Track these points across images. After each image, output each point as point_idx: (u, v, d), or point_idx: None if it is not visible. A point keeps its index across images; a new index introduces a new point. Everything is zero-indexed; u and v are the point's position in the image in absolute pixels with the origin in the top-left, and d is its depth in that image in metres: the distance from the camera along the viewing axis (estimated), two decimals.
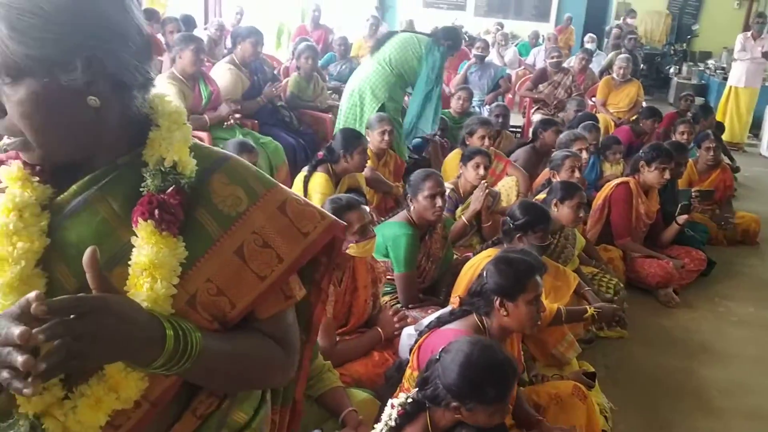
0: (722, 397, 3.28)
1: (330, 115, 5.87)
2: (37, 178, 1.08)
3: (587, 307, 3.20)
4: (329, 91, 6.51)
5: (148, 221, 1.03)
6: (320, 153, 4.07)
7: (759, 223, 5.54)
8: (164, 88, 4.49)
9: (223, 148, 3.71)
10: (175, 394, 1.10)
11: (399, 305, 3.27)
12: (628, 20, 11.99)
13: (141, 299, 1.01)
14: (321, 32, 8.78)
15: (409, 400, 1.91)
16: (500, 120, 5.80)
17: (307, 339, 1.34)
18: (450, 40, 5.25)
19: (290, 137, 5.36)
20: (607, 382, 3.21)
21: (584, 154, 4.61)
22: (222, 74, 5.09)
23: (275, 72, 6.29)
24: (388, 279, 3.39)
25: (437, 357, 1.94)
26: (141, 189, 1.05)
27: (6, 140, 1.03)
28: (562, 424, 2.44)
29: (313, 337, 1.36)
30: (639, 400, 3.20)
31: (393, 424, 1.87)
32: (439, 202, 3.32)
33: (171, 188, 1.05)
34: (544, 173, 4.69)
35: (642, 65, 11.08)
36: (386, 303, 3.28)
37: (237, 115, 4.92)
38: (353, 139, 4.09)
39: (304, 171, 4.03)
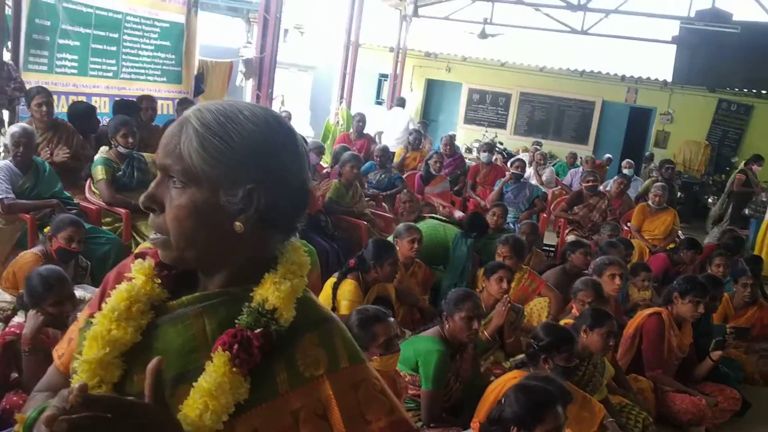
0: None
1: (365, 223, 5.97)
2: (159, 281, 1.14)
3: None
4: (367, 199, 6.65)
5: (225, 352, 1.05)
6: (351, 261, 4.11)
7: None
8: None
9: None
10: None
11: (420, 423, 3.21)
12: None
13: (186, 422, 1.02)
14: (364, 141, 9.07)
15: None
16: (526, 239, 5.79)
17: None
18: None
19: (324, 242, 5.44)
20: None
21: (617, 281, 4.57)
22: None
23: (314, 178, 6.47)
24: (412, 395, 3.34)
25: None
26: (236, 321, 1.08)
27: (153, 235, 1.11)
28: None
29: None
30: None
31: None
32: (475, 324, 3.31)
33: (259, 330, 1.06)
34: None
35: (679, 194, 11.12)
36: None
37: None
38: (385, 249, 4.14)
39: (334, 277, 4.07)
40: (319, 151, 5.48)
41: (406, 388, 3.31)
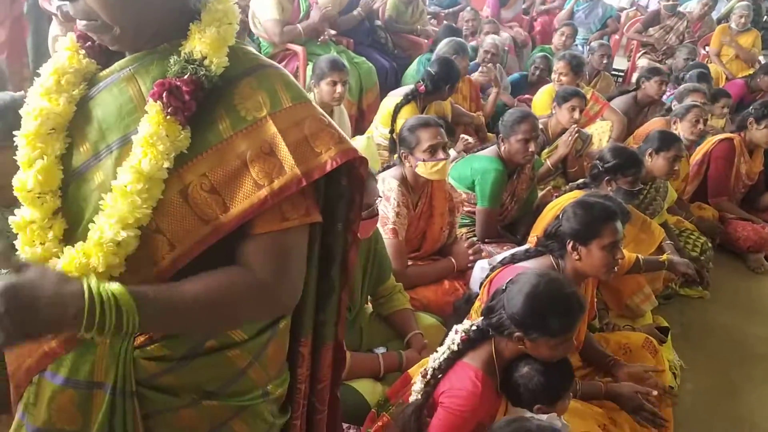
0: None
1: (426, 41, 5.75)
2: (83, 52, 1.16)
3: (663, 256, 3.09)
4: (428, 16, 6.36)
5: (157, 102, 1.06)
6: (421, 86, 3.93)
7: None
8: None
9: (315, 63, 3.71)
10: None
11: (475, 238, 3.26)
12: None
13: (129, 171, 1.05)
14: None
15: (474, 327, 1.91)
16: (604, 61, 5.53)
17: (344, 281, 1.34)
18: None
19: (384, 59, 5.29)
20: (680, 339, 3.13)
21: (700, 125, 4.31)
22: None
23: None
24: (468, 212, 3.37)
25: (504, 288, 1.93)
26: (166, 74, 1.09)
27: (80, 24, 1.09)
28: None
29: (348, 279, 1.35)
30: (711, 362, 3.11)
31: (456, 348, 1.88)
32: (531, 146, 3.24)
33: (187, 76, 1.07)
34: (650, 123, 4.46)
35: (766, 15, 10.23)
36: (462, 235, 3.26)
37: (332, 32, 4.87)
38: (451, 70, 4.00)
39: (397, 98, 3.96)
40: None
41: (462, 203, 3.34)
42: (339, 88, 3.58)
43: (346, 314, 1.42)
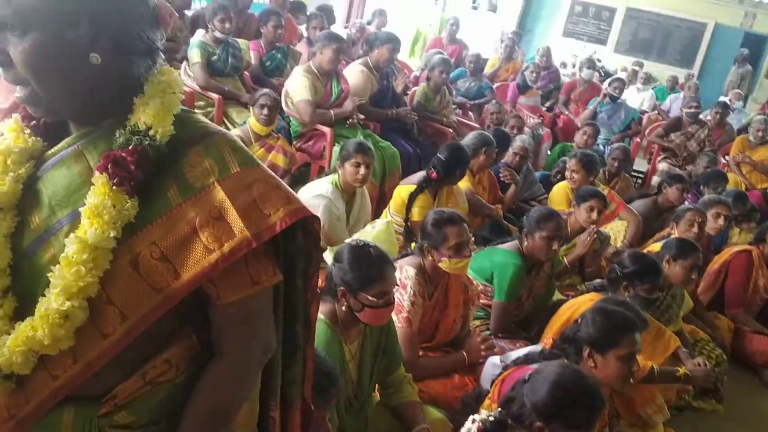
0: None
1: (451, 131, 5.88)
2: (29, 131, 1.17)
3: (679, 367, 3.05)
4: (454, 106, 6.52)
5: (103, 174, 1.08)
6: (432, 173, 4.01)
7: None
8: (299, 79, 4.66)
9: (342, 144, 3.80)
10: (119, 358, 1.11)
11: (488, 332, 3.24)
12: None
13: (74, 241, 1.06)
14: (456, 47, 8.81)
15: (491, 417, 1.88)
16: (616, 164, 5.58)
17: (308, 337, 1.35)
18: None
19: (409, 145, 5.40)
20: None
21: (720, 221, 4.36)
22: (354, 75, 5.21)
23: (406, 81, 6.36)
24: (483, 304, 3.36)
25: (526, 378, 1.90)
26: (113, 148, 1.10)
27: (17, 92, 1.11)
28: None
29: (311, 335, 1.36)
30: None
31: None
32: (555, 245, 3.26)
33: (131, 146, 1.08)
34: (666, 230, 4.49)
35: None
36: (476, 328, 3.25)
37: (361, 116, 5.01)
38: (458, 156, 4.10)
39: (410, 185, 4.02)
40: (394, 44, 5.34)
41: (478, 296, 3.33)
42: (362, 170, 3.65)
43: (313, 374, 1.42)
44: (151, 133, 1.10)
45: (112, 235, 1.06)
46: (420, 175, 4.10)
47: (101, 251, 1.06)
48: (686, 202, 5.16)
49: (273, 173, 1.20)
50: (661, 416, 2.95)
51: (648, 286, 2.99)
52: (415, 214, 3.90)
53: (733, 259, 4.24)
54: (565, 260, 3.92)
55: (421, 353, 2.82)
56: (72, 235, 1.07)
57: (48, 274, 1.08)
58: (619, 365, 2.21)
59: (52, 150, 1.16)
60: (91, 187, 1.09)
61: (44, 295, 1.08)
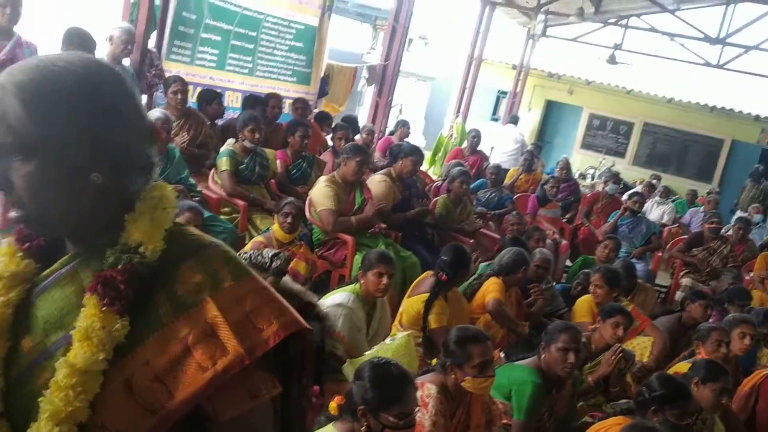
0: None
1: (472, 241, 5.90)
2: (21, 254, 1.16)
3: None
4: (474, 216, 6.58)
5: (93, 295, 1.06)
6: (442, 275, 4.04)
7: None
8: (323, 189, 4.75)
9: (365, 254, 3.83)
10: None
11: None
12: None
13: (63, 365, 1.03)
14: (477, 158, 9.01)
15: None
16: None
17: None
18: None
19: (429, 255, 5.42)
20: None
21: (746, 341, 4.27)
22: (377, 185, 5.32)
23: (426, 190, 6.48)
24: (505, 424, 3.26)
25: None
26: (104, 268, 1.09)
27: (13, 213, 1.10)
28: None
29: None
30: None
31: None
32: (571, 357, 3.19)
33: (121, 266, 1.07)
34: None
35: None
36: None
37: (383, 225, 5.07)
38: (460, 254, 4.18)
39: (422, 295, 4.02)
40: (418, 156, 5.50)
41: (500, 416, 3.23)
42: (385, 280, 3.65)
43: None
44: (141, 250, 1.09)
45: (101, 357, 1.04)
46: (428, 283, 4.11)
47: (91, 374, 1.04)
48: (710, 320, 5.07)
49: (265, 284, 1.18)
50: None
51: (678, 412, 2.88)
52: (433, 321, 3.89)
53: (764, 382, 4.09)
54: (589, 379, 3.82)
55: None
56: (62, 359, 1.05)
57: (39, 399, 1.05)
58: None
59: (47, 271, 1.15)
60: (82, 309, 1.07)
61: (35, 420, 1.05)
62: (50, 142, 1.03)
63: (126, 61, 5.25)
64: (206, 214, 4.32)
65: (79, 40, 4.67)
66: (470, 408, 2.86)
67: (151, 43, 5.78)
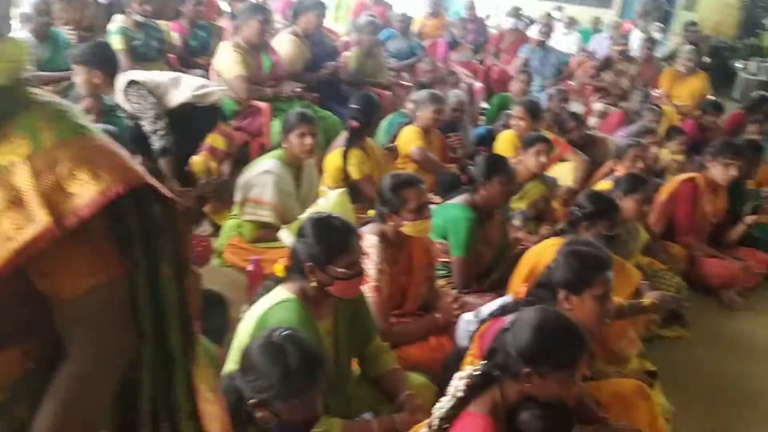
0: None
1: (390, 93, 5.78)
2: None
3: (644, 299, 3.10)
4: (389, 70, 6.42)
5: None
6: (353, 123, 4.03)
7: None
8: (228, 55, 4.48)
9: (284, 117, 3.71)
10: None
11: (455, 291, 3.22)
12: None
13: None
14: (381, 8, 8.66)
15: (478, 371, 1.84)
16: (563, 105, 5.64)
17: (189, 349, 1.19)
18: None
19: (348, 112, 5.29)
20: (666, 382, 3.10)
21: (654, 149, 4.46)
22: (284, 44, 5.05)
23: (335, 45, 6.23)
24: (443, 261, 3.34)
25: (507, 327, 1.88)
26: None
27: None
28: (625, 423, 2.37)
29: (193, 346, 1.19)
30: (698, 404, 3.11)
31: (461, 395, 1.80)
32: (511, 188, 3.33)
33: None
34: (607, 165, 4.58)
35: (707, 58, 10.67)
36: (442, 288, 3.22)
37: (298, 89, 4.87)
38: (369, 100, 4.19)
39: (337, 150, 4.02)
40: (321, 10, 5.26)
41: (439, 255, 3.30)
42: (308, 140, 3.55)
43: (219, 399, 1.24)
44: None
45: None
46: (343, 137, 4.09)
47: None
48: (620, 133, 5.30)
49: (107, 140, 1.07)
50: (634, 349, 3.00)
51: (608, 224, 3.01)
52: (354, 173, 3.91)
53: (679, 189, 4.32)
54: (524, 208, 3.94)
55: (394, 321, 2.77)
56: None
57: None
58: (594, 305, 2.21)
59: None
60: None
61: None
62: None
63: None
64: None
65: None
66: (411, 252, 2.89)
67: None
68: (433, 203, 3.34)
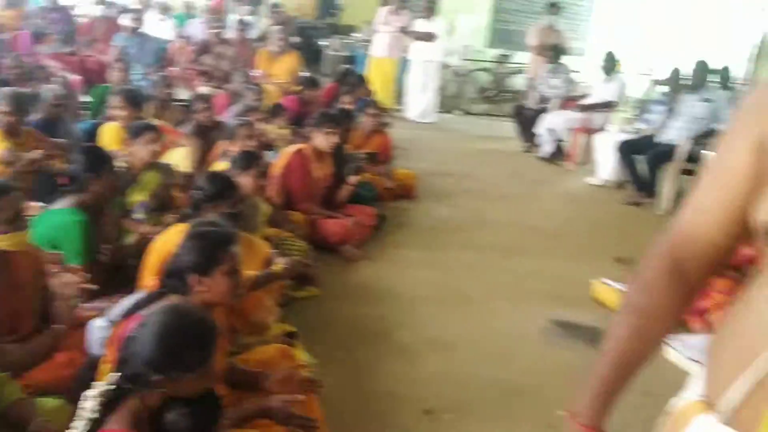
0: (409, 334, 3.62)
1: None
2: None
3: (274, 266, 3.25)
4: None
5: None
6: None
7: (415, 179, 6.20)
8: None
9: None
10: None
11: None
12: None
13: None
14: None
15: (109, 387, 1.72)
16: (167, 91, 5.55)
17: None
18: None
19: None
20: (307, 339, 3.31)
21: (260, 126, 4.66)
22: None
23: None
24: (56, 272, 3.03)
25: (133, 334, 1.79)
26: None
27: None
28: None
29: None
30: (340, 352, 3.37)
31: (95, 416, 1.66)
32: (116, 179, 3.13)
33: None
34: (220, 145, 4.66)
35: (296, 38, 11.47)
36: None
37: None
38: None
39: None
40: None
41: (50, 259, 3.00)
42: None
43: None
44: None
45: None
46: None
47: None
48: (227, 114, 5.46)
49: None
50: (272, 316, 3.13)
51: (230, 202, 3.06)
52: None
53: (291, 161, 4.61)
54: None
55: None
56: None
57: None
58: (226, 281, 2.23)
59: None
60: None
61: None
62: None
63: None
64: None
65: None
66: (14, 266, 2.56)
67: None
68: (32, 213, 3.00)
